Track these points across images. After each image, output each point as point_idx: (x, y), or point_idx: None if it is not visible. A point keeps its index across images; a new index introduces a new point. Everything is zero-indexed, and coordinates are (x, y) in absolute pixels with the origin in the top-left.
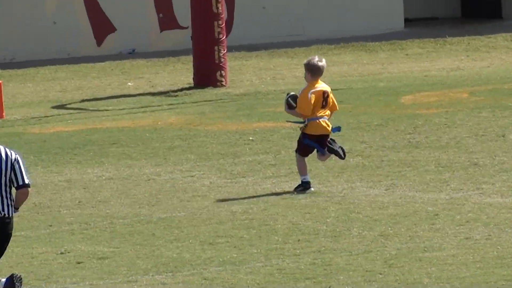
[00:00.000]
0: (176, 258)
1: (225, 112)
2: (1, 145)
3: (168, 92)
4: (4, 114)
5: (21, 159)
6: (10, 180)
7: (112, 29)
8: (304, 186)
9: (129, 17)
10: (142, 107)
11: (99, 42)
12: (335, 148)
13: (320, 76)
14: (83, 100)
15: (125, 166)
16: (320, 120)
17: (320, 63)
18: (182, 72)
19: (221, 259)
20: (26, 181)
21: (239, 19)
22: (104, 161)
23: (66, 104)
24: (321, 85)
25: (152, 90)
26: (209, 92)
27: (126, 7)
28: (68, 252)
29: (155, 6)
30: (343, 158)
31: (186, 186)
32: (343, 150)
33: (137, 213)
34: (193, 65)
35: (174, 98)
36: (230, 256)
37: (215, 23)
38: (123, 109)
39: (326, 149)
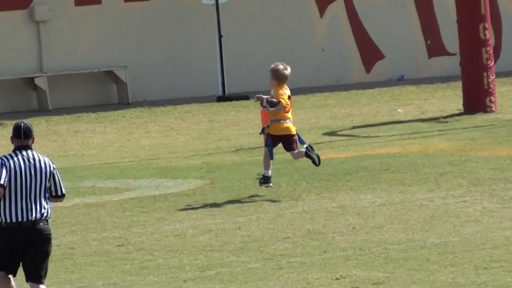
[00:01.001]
0: (450, 283)
1: (496, 138)
2: (39, 153)
3: (438, 118)
4: None
5: (55, 167)
6: (48, 188)
7: (381, 56)
8: (264, 178)
9: (397, 44)
10: (412, 133)
11: (368, 69)
12: (312, 154)
13: (285, 83)
14: (353, 127)
15: (397, 192)
16: (282, 121)
17: (286, 72)
18: (451, 98)
19: (495, 284)
20: (64, 192)
21: (506, 45)
22: (376, 187)
23: (337, 131)
24: (287, 90)
25: (422, 116)
26: (479, 118)
27: (394, 34)
28: (343, 278)
29: (423, 33)
30: (318, 165)
31: (459, 211)
32: (318, 158)
33: (410, 238)
34: (462, 91)
35: (444, 124)
36: (505, 280)
37: (483, 49)
38: (394, 135)
39: (303, 152)
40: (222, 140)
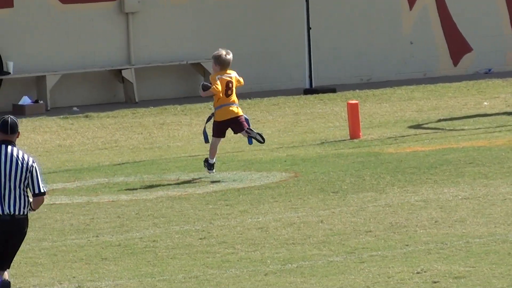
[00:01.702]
0: None
1: None
2: (20, 149)
3: None
4: (360, 134)
5: (38, 165)
6: (27, 185)
7: (469, 49)
8: (208, 165)
9: (485, 38)
10: (498, 126)
11: (456, 62)
12: (253, 135)
13: (227, 68)
14: (439, 120)
15: (481, 186)
16: (225, 106)
17: (227, 57)
18: None
19: None
20: (42, 189)
21: None
22: (460, 180)
23: (422, 124)
24: (227, 75)
25: (508, 109)
26: None
27: (483, 27)
28: (425, 272)
29: (511, 26)
30: (263, 142)
31: None
32: (261, 135)
33: (492, 232)
34: None
35: None
36: None
37: None
38: (479, 128)
39: (247, 136)
40: (308, 133)
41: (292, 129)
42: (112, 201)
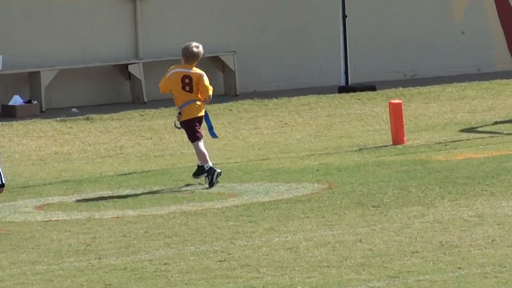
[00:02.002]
0: None
1: None
2: None
3: None
4: (405, 138)
5: None
6: None
7: None
8: (210, 174)
9: None
10: None
11: None
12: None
13: (195, 62)
14: (496, 122)
15: None
16: (190, 104)
17: (195, 49)
18: None
19: None
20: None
21: None
22: None
23: (476, 127)
24: (186, 69)
25: None
26: None
27: None
28: None
29: None
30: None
31: None
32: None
33: None
34: None
35: None
36: None
37: None
38: None
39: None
40: (343, 138)
41: (325, 133)
42: (117, 217)
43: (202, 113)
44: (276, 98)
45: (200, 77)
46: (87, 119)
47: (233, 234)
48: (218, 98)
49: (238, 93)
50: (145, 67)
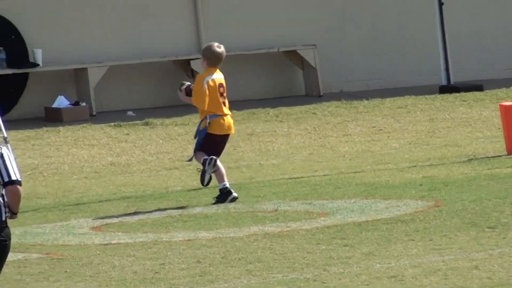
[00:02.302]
0: None
1: None
2: None
3: None
4: None
5: (8, 151)
6: None
7: None
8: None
9: None
10: None
11: None
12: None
13: (218, 65)
14: None
15: None
16: (221, 116)
17: (219, 49)
18: None
19: None
20: (14, 177)
21: None
22: None
23: None
24: (217, 76)
25: None
26: None
27: None
28: None
29: None
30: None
31: None
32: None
33: None
34: None
35: None
36: None
37: None
38: None
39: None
40: (449, 146)
41: (427, 141)
42: (189, 239)
43: (226, 132)
44: (367, 99)
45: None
46: (146, 124)
47: (326, 260)
48: (298, 99)
49: (321, 94)
50: None
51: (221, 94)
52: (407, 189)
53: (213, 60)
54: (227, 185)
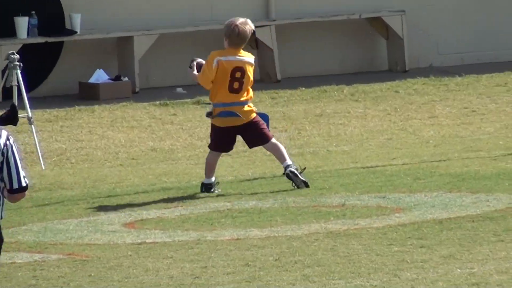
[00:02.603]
0: None
1: None
2: None
3: None
4: None
5: (15, 144)
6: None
7: None
8: (206, 188)
9: None
10: None
11: None
12: (295, 180)
13: (241, 46)
14: None
15: None
16: (227, 107)
17: (245, 27)
18: None
19: None
20: (24, 183)
21: None
22: None
23: None
24: (238, 58)
25: None
26: None
27: None
28: None
29: None
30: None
31: None
32: (305, 183)
33: None
34: None
35: None
36: None
37: None
38: None
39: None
40: None
41: None
42: (237, 238)
43: (230, 124)
44: (460, 75)
45: (251, 66)
46: (198, 102)
47: (397, 264)
48: (379, 75)
49: (407, 69)
50: (279, 32)
51: (237, 79)
52: (499, 181)
53: (234, 39)
54: (290, 163)
